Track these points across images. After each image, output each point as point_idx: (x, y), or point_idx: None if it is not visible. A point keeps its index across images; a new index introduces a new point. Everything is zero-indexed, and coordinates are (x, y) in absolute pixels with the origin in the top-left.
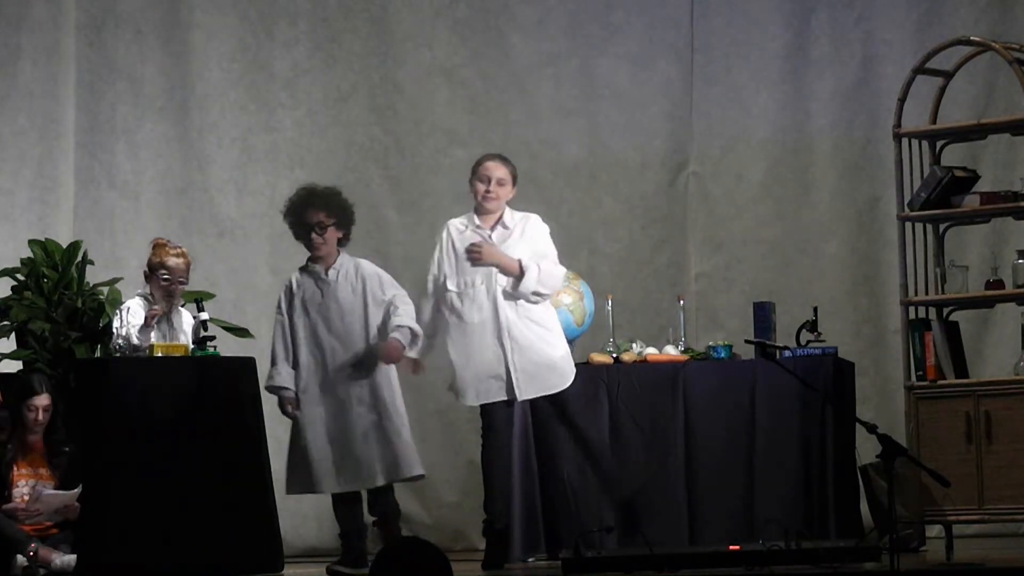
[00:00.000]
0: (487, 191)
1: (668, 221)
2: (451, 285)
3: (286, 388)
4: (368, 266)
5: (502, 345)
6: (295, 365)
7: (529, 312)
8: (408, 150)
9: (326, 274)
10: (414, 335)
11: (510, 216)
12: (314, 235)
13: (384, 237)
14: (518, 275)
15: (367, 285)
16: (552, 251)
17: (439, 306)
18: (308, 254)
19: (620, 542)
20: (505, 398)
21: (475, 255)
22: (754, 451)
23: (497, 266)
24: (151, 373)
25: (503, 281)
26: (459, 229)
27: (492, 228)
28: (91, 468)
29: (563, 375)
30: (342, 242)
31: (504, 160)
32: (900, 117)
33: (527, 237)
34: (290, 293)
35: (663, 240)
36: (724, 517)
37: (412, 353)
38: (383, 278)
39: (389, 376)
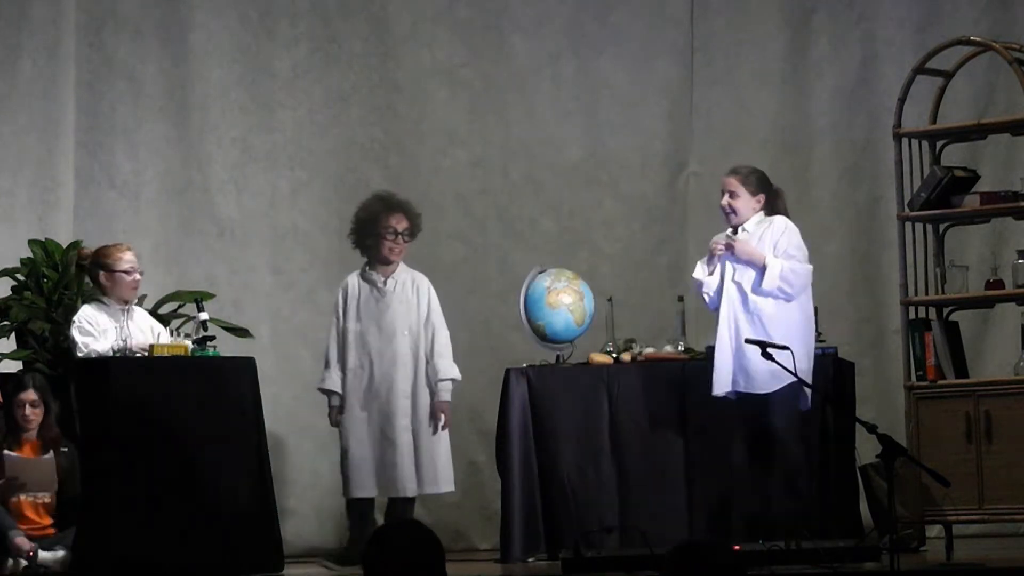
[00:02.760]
0: (721, 204)
1: (668, 221)
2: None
3: (333, 392)
4: (425, 282)
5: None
6: (344, 369)
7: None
8: (408, 150)
9: (384, 283)
10: (455, 382)
11: (753, 222)
12: (400, 240)
13: None
14: (762, 268)
15: (420, 300)
16: (796, 251)
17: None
18: (364, 259)
19: (620, 542)
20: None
21: (729, 247)
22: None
23: (749, 260)
24: (151, 373)
25: (746, 277)
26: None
27: (735, 233)
28: (91, 468)
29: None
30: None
31: (738, 172)
32: (900, 117)
33: (765, 239)
34: (346, 296)
35: (663, 240)
36: (724, 517)
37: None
38: (433, 302)
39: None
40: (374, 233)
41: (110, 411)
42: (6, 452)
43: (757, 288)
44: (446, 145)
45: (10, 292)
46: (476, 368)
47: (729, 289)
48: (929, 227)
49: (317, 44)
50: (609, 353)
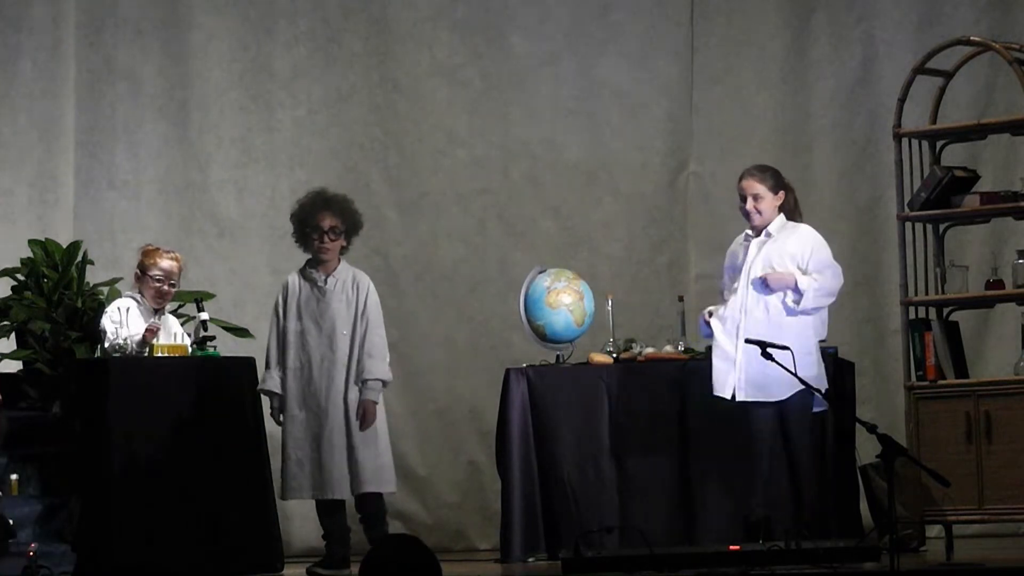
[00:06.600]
0: (744, 208)
1: (668, 221)
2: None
3: (273, 393)
4: (365, 280)
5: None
6: (284, 369)
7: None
8: (408, 150)
9: (325, 281)
10: (384, 384)
11: (776, 226)
12: (326, 239)
13: (384, 237)
14: (796, 288)
15: (358, 299)
16: (820, 257)
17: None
18: (308, 256)
19: (620, 542)
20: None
21: (767, 281)
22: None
23: (783, 288)
24: (151, 373)
25: (774, 295)
26: (738, 241)
27: (757, 236)
28: (91, 468)
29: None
30: (343, 251)
31: (756, 174)
32: (900, 117)
33: (788, 245)
34: (286, 295)
35: (663, 240)
36: (724, 517)
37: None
38: (371, 300)
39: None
40: (306, 231)
41: (110, 411)
42: None
43: (793, 311)
44: (446, 145)
45: (10, 292)
46: (476, 368)
47: (749, 291)
48: (929, 227)
49: (317, 44)
50: (609, 353)
